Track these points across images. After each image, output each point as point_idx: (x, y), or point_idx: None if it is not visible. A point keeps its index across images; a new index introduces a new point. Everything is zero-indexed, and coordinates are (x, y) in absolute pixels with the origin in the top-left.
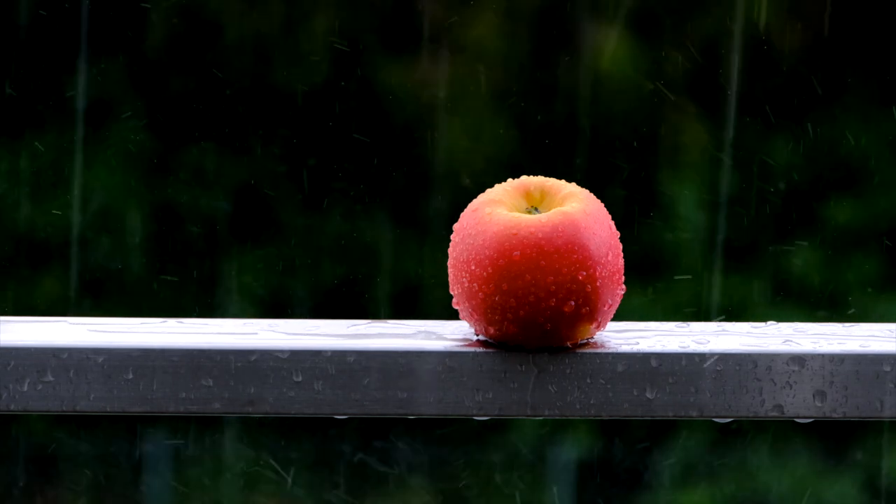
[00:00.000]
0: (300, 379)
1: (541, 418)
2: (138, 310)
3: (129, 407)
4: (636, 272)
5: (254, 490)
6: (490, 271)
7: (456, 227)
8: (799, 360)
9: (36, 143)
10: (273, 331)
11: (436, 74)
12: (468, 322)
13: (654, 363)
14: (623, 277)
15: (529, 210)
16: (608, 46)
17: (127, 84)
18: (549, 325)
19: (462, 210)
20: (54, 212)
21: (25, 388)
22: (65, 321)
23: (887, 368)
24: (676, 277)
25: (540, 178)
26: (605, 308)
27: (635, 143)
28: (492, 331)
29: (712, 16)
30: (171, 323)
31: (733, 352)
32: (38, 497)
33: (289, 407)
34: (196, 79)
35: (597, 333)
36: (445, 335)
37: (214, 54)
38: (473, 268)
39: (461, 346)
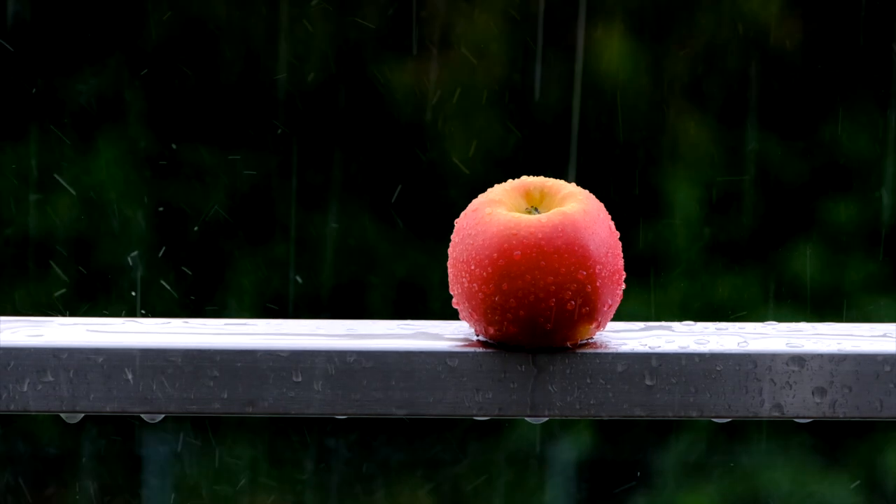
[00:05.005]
0: (300, 379)
1: (541, 418)
2: (139, 310)
3: (129, 407)
4: (636, 272)
5: (253, 490)
6: (490, 271)
7: (456, 227)
8: (799, 360)
9: (36, 143)
10: (273, 331)
11: (436, 74)
12: (468, 322)
13: (654, 363)
14: (623, 277)
15: (529, 210)
16: (607, 46)
17: (128, 83)
18: (549, 325)
19: (462, 210)
20: (54, 211)
21: (25, 388)
22: (64, 321)
23: (887, 368)
24: (676, 278)
25: (540, 179)
26: (605, 308)
27: (634, 143)
28: (492, 331)
29: (712, 15)
30: (172, 323)
31: (733, 352)
32: (36, 496)
33: (289, 407)
34: (197, 78)
35: (597, 333)
36: (445, 335)
37: (215, 53)
38: (473, 268)
39: (461, 346)
